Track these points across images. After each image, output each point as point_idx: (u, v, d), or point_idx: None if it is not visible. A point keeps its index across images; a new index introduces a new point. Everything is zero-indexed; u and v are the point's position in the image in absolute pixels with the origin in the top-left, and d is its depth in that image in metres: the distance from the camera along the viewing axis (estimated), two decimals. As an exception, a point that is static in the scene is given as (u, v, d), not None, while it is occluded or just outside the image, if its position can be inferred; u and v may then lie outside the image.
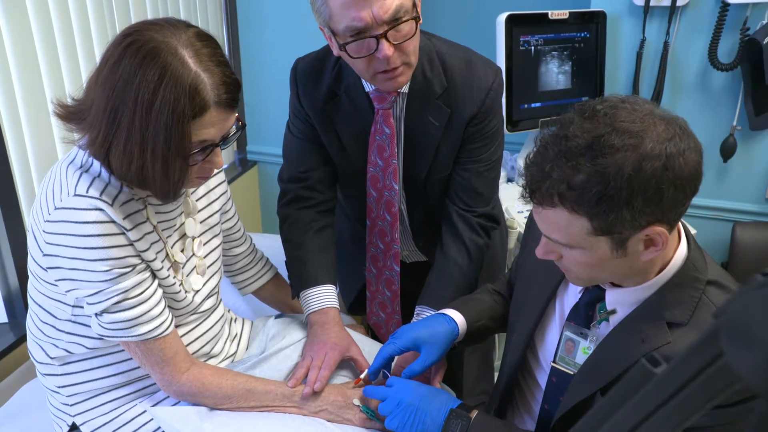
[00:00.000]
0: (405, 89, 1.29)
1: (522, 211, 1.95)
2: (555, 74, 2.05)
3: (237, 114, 1.02)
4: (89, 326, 1.06)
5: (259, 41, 2.56)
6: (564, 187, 0.84)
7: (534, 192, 0.89)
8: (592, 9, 2.06)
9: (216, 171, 1.09)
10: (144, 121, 0.91)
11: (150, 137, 0.92)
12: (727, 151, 2.06)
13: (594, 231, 0.86)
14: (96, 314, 1.03)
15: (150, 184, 0.97)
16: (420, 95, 1.30)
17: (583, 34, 2.05)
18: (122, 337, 1.05)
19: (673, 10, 1.96)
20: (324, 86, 1.33)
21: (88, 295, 1.01)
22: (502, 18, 1.90)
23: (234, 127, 1.03)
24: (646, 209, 0.83)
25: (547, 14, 1.97)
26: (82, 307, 1.04)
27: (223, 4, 2.50)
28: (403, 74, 1.20)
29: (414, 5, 1.14)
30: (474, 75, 1.29)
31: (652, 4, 1.97)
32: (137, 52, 0.90)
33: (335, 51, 1.19)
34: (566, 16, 2.00)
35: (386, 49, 1.13)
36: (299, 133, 1.40)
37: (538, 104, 2.04)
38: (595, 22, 2.05)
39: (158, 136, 0.91)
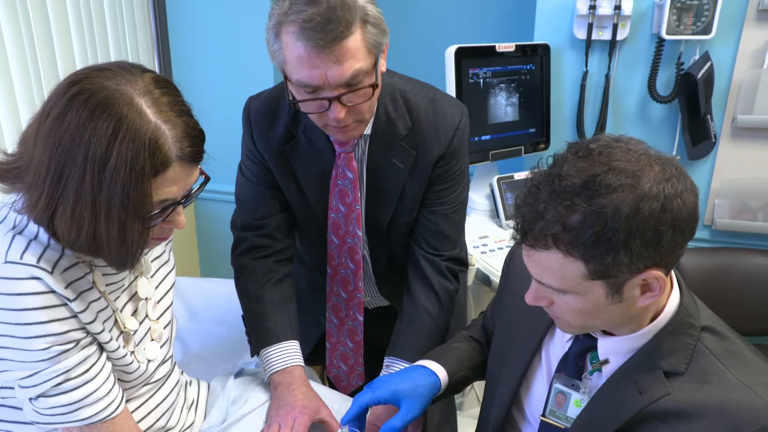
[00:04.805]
0: (368, 131, 1.22)
1: (478, 246, 1.91)
2: (503, 106, 2.04)
3: (200, 167, 0.92)
4: (20, 409, 0.92)
5: (192, 74, 2.43)
6: (558, 228, 0.80)
7: (526, 233, 0.84)
8: (535, 42, 2.08)
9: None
10: (96, 181, 0.79)
11: (104, 200, 0.80)
12: (669, 179, 2.11)
13: (589, 275, 0.81)
14: (30, 399, 0.89)
15: (104, 251, 0.85)
16: (383, 137, 1.23)
17: (528, 67, 2.07)
18: (63, 423, 0.91)
19: (613, 43, 2.01)
20: (280, 127, 1.24)
21: (22, 378, 0.87)
22: (451, 51, 1.88)
23: (199, 181, 0.93)
24: (644, 252, 0.79)
25: (494, 47, 1.97)
26: (12, 388, 0.90)
27: (154, 38, 2.36)
28: (356, 129, 1.13)
29: (375, 68, 1.07)
30: (440, 114, 1.24)
31: (593, 37, 2.02)
32: (86, 103, 0.78)
33: (288, 97, 1.10)
34: (512, 49, 2.01)
35: (337, 111, 1.05)
36: (254, 177, 1.30)
37: (488, 137, 2.02)
38: (540, 54, 2.07)
39: (114, 198, 0.80)
